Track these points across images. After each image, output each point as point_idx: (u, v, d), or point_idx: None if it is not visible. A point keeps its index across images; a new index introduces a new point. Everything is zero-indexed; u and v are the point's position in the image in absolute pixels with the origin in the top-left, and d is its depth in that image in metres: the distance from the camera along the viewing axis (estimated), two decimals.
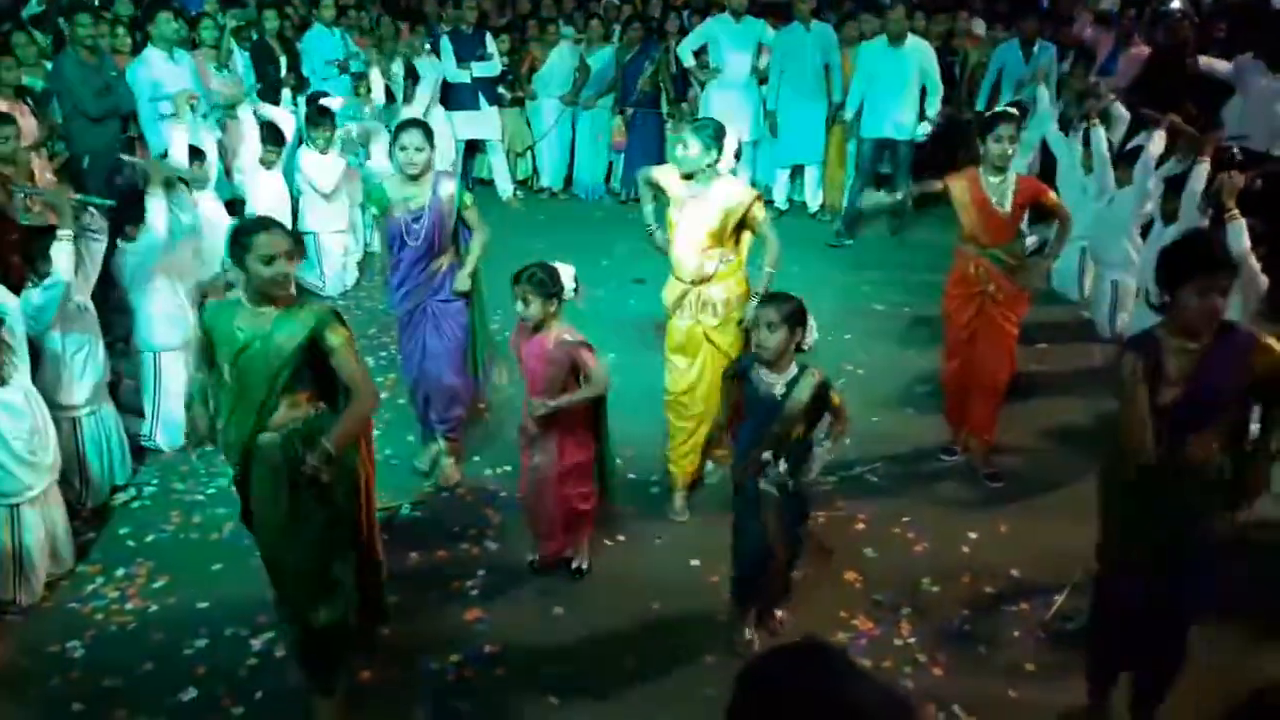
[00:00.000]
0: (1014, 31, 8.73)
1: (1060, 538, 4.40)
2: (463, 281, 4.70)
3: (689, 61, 8.95)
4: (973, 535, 4.51)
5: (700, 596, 4.07)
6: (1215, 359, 2.91)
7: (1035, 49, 8.41)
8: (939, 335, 6.29)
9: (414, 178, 4.58)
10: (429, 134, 4.62)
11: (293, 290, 3.27)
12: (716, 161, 4.36)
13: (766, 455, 3.51)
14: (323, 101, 7.09)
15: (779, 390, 3.48)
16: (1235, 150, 5.90)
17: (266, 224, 3.25)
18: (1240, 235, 4.58)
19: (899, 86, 8.09)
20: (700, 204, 4.36)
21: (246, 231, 3.17)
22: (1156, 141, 5.93)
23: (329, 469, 3.12)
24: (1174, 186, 5.58)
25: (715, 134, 4.37)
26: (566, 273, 3.96)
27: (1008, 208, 4.65)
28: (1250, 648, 3.74)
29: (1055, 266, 5.96)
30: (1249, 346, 2.92)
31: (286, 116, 7.13)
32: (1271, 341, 2.93)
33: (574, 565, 4.27)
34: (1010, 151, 4.63)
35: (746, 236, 4.49)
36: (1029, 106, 7.61)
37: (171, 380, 5.20)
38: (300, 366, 3.19)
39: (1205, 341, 2.93)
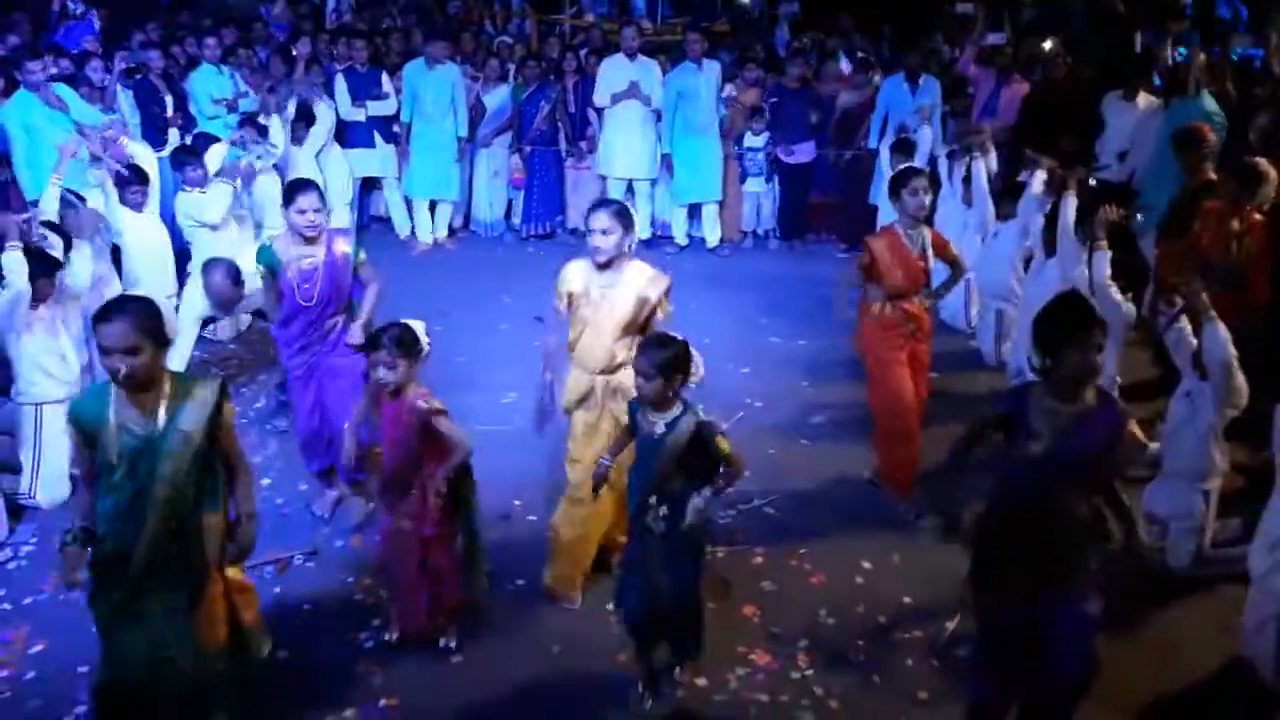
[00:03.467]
0: (896, 68, 9.00)
1: (951, 565, 4.45)
2: (355, 336, 4.63)
3: (608, 104, 8.98)
4: (867, 565, 4.59)
5: (609, 649, 4.00)
6: (1091, 424, 3.04)
7: (920, 84, 8.69)
8: (834, 368, 6.49)
9: (308, 240, 4.52)
10: (323, 195, 4.57)
11: (163, 375, 3.05)
12: (632, 243, 4.12)
13: (651, 499, 3.50)
14: (209, 154, 6.84)
15: (659, 429, 3.47)
16: (1093, 181, 6.19)
17: (109, 312, 2.95)
18: (1103, 264, 4.81)
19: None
20: (613, 295, 4.09)
21: (95, 319, 2.96)
22: (1038, 179, 6.19)
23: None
24: (1050, 222, 5.82)
25: (624, 212, 4.10)
26: (418, 328, 3.82)
27: (929, 255, 4.87)
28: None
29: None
30: (1121, 424, 3.09)
31: (148, 155, 6.93)
32: (1135, 428, 3.15)
33: (441, 643, 4.01)
34: (925, 202, 4.83)
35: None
36: (915, 142, 7.88)
37: (52, 434, 5.00)
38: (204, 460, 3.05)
39: (1083, 405, 3.05)
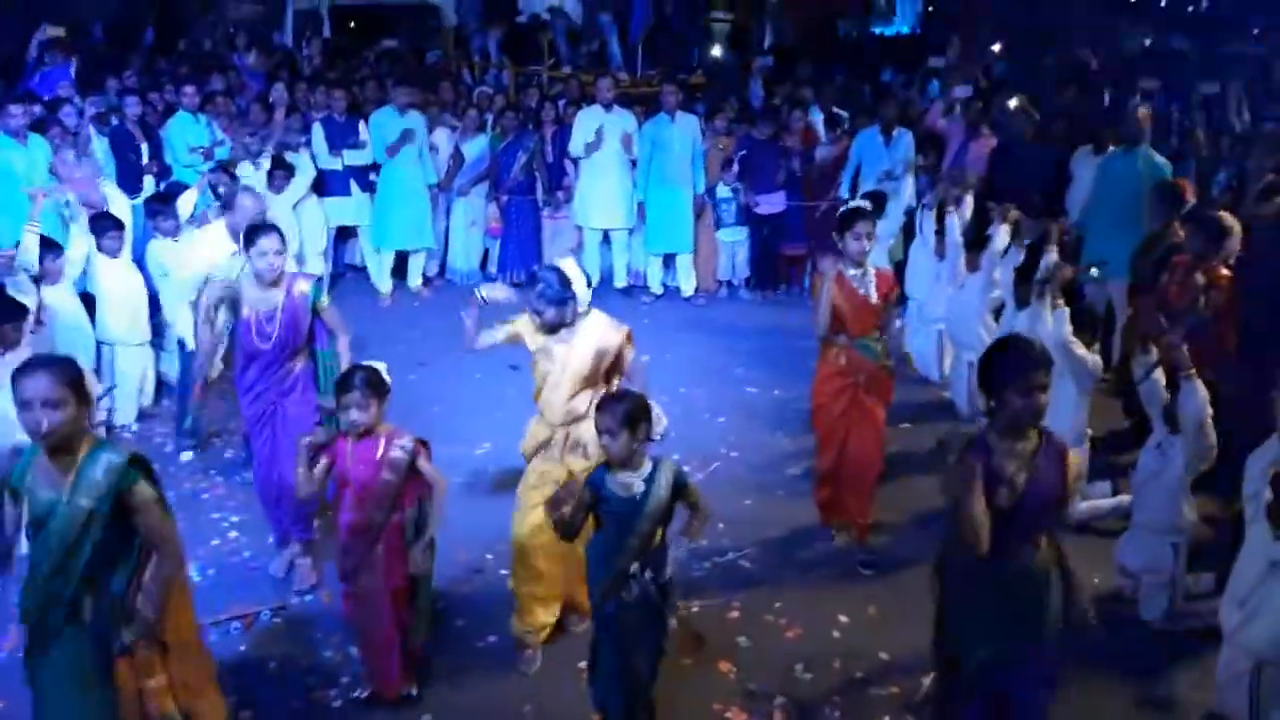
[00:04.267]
0: (871, 120, 9.11)
1: (927, 618, 4.48)
2: (327, 400, 4.56)
3: (582, 154, 9.04)
4: (843, 619, 4.56)
5: (583, 708, 3.87)
6: (1043, 463, 3.08)
7: (894, 136, 8.81)
8: (810, 419, 6.47)
9: (271, 283, 4.50)
10: (284, 237, 4.57)
11: (82, 439, 2.93)
12: (576, 305, 4.09)
13: (633, 567, 3.40)
14: (180, 201, 6.81)
15: (638, 489, 3.40)
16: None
17: (31, 365, 2.88)
18: (1063, 321, 4.87)
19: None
20: (569, 349, 4.08)
21: (16, 372, 2.85)
22: (1002, 233, 6.26)
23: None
24: (1023, 274, 5.88)
25: (564, 282, 4.04)
26: (381, 369, 3.82)
27: (875, 298, 4.83)
28: None
29: (916, 350, 6.24)
30: (1063, 454, 3.13)
31: (122, 200, 6.89)
32: (1073, 455, 3.18)
33: (404, 693, 3.93)
34: (868, 248, 4.83)
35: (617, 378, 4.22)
36: (888, 195, 7.98)
37: None
38: (107, 536, 2.90)
39: (1031, 443, 3.09)
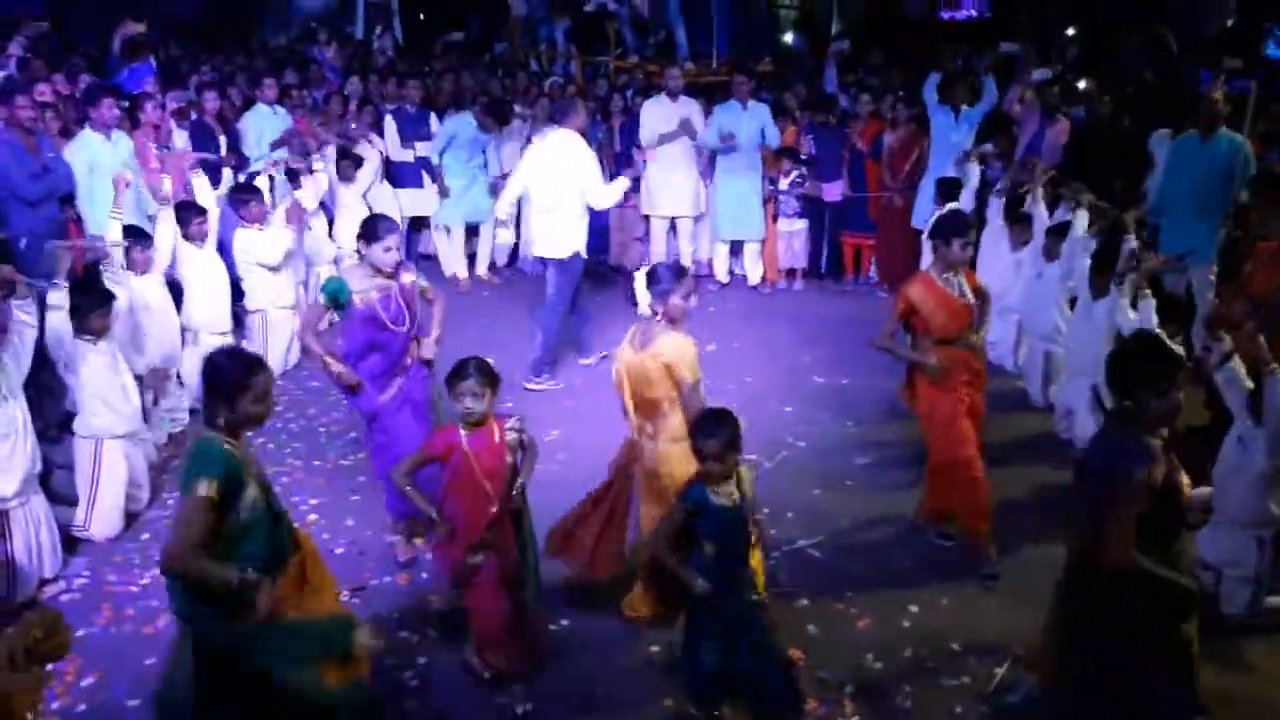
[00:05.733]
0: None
1: (999, 609, 4.47)
2: (429, 349, 4.83)
3: (653, 144, 9.02)
4: (913, 609, 4.54)
5: (653, 685, 3.99)
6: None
7: (960, 114, 8.58)
8: (875, 406, 6.45)
9: (390, 274, 4.68)
10: (401, 233, 4.75)
11: None
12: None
13: (739, 563, 3.58)
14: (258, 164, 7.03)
15: (736, 496, 3.56)
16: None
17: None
18: (1149, 313, 4.77)
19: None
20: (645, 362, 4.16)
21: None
22: (1081, 219, 6.14)
23: None
24: (1098, 262, 5.77)
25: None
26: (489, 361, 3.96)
27: (970, 296, 4.79)
28: None
29: (990, 338, 6.16)
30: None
31: (207, 189, 7.10)
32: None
33: (519, 711, 3.89)
34: (968, 255, 4.84)
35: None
36: (961, 181, 7.88)
37: (111, 468, 5.11)
38: None
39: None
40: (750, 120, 8.89)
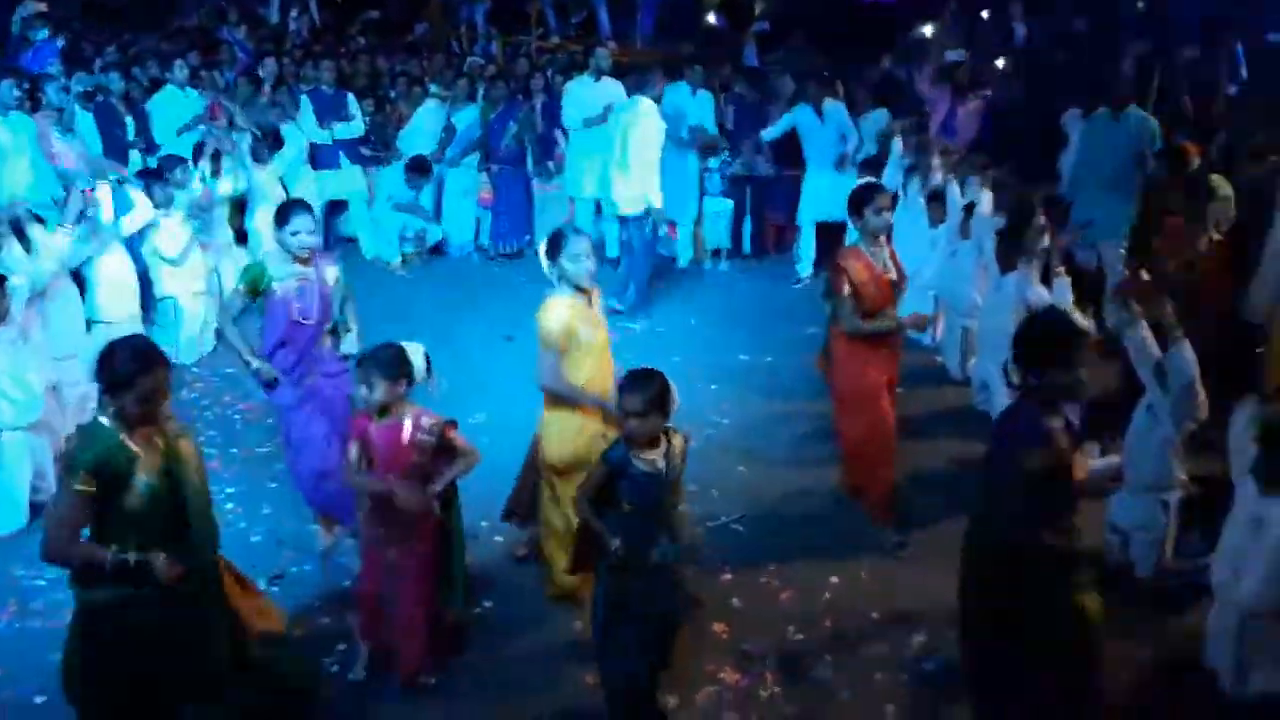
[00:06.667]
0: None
1: (916, 578, 4.55)
2: (350, 344, 4.68)
3: (577, 126, 8.97)
4: (835, 580, 4.61)
5: (582, 670, 3.94)
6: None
7: (824, 114, 8.64)
8: (799, 384, 6.51)
9: (302, 260, 4.52)
10: (314, 217, 4.61)
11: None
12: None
13: (663, 538, 3.45)
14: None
15: (660, 464, 3.41)
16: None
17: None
18: (1065, 291, 4.87)
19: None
20: (598, 323, 4.22)
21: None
22: (986, 198, 6.26)
23: None
24: (1005, 238, 5.88)
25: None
26: (417, 353, 3.80)
27: (894, 273, 4.79)
28: None
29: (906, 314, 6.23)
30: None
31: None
32: None
33: (419, 679, 3.89)
34: (889, 220, 4.79)
35: None
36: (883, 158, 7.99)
37: (13, 462, 4.94)
38: None
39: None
40: (697, 107, 8.88)
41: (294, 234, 4.48)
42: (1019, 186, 6.31)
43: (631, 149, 7.78)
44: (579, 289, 4.16)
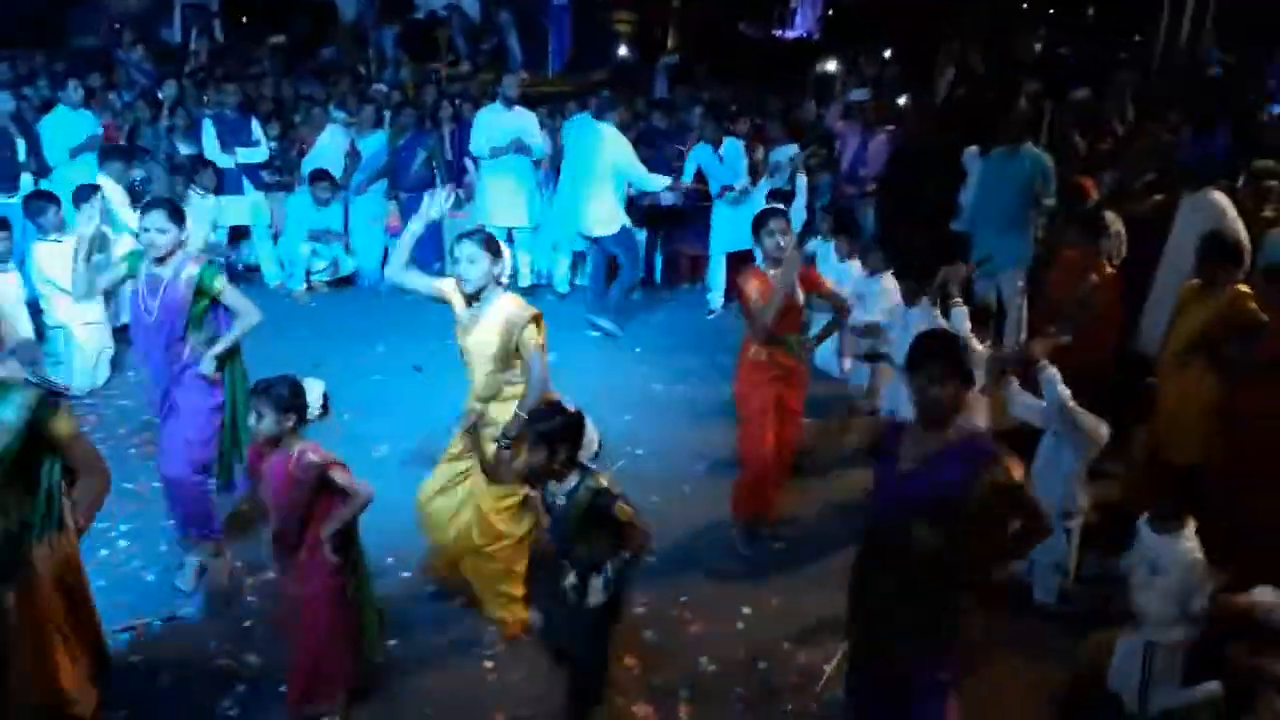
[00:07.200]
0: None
1: (827, 608, 4.52)
2: (207, 364, 4.40)
3: (485, 154, 8.90)
4: (746, 610, 4.61)
5: (487, 710, 3.88)
6: (947, 458, 3.04)
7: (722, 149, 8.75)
8: (713, 413, 6.53)
9: (159, 260, 4.36)
10: (174, 214, 4.40)
11: None
12: (500, 273, 4.19)
13: (565, 563, 3.43)
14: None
15: (560, 500, 3.41)
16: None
17: None
18: (962, 320, 5.00)
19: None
20: (481, 327, 4.17)
21: None
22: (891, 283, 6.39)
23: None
24: (909, 272, 6.01)
25: (492, 241, 4.17)
26: (315, 389, 3.66)
27: (800, 297, 4.85)
28: None
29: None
30: (985, 458, 3.03)
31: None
32: (1011, 464, 3.05)
33: (305, 714, 3.72)
34: (783, 243, 4.83)
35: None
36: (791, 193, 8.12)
37: None
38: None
39: (946, 439, 3.08)
40: (599, 134, 8.84)
41: (144, 230, 4.38)
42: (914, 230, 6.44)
43: (597, 172, 8.02)
44: (464, 294, 4.18)
